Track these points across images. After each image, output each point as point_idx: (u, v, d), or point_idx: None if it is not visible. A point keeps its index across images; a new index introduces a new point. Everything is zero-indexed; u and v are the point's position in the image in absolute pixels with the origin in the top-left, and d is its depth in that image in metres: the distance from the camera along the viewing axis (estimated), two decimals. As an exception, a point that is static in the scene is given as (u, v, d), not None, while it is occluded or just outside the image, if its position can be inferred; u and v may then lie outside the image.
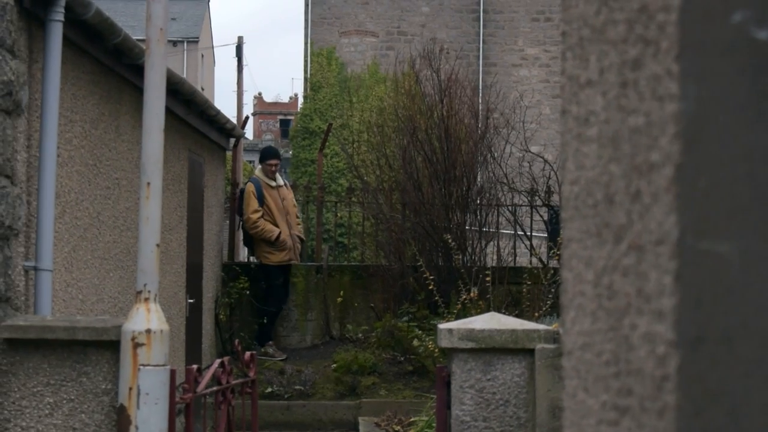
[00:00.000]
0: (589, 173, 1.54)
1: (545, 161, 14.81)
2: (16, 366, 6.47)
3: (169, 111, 8.31)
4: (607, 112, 1.50)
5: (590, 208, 1.53)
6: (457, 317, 11.05)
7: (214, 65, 61.64)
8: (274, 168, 14.37)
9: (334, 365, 13.47)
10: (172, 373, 6.38)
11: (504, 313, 7.57)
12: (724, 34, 1.35)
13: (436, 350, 12.08)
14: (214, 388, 7.08)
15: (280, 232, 14.05)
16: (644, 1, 1.42)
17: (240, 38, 30.96)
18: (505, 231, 15.86)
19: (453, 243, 13.67)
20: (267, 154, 14.72)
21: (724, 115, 1.35)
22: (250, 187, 14.27)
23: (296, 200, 15.00)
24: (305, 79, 36.12)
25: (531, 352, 6.13)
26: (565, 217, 1.60)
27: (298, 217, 14.70)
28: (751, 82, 1.35)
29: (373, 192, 15.62)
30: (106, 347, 6.38)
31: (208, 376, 7.00)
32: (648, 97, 1.41)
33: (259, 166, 14.68)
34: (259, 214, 14.04)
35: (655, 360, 1.38)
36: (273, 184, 14.24)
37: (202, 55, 55.12)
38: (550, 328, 6.44)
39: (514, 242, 15.28)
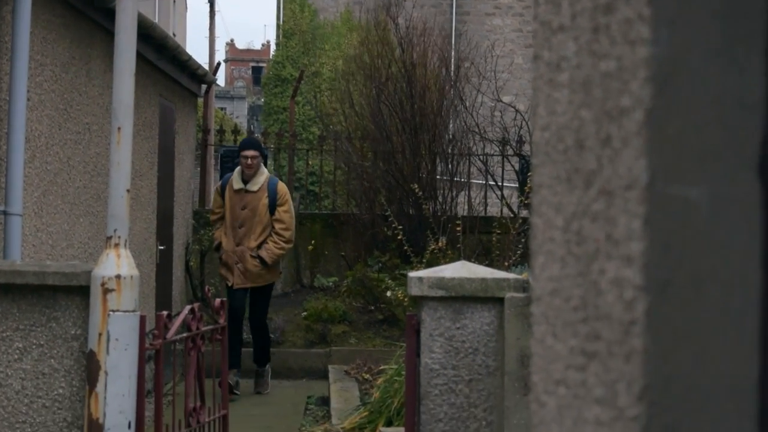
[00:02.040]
0: (560, 119, 1.54)
1: (517, 111, 14.81)
2: (-15, 310, 6.44)
3: (140, 56, 8.24)
4: (578, 57, 1.50)
5: (561, 153, 1.53)
6: (428, 266, 11.08)
7: (186, 11, 61.19)
8: (249, 161, 11.58)
9: (305, 313, 13.49)
10: (142, 319, 6.37)
11: (474, 263, 7.58)
12: (697, -22, 1.34)
13: (406, 299, 12.11)
14: (184, 335, 7.08)
15: (219, 243, 11.93)
16: (618, -55, 1.42)
17: (212, -16, 30.79)
18: (476, 180, 15.88)
19: (420, 192, 13.67)
20: (240, 145, 12.24)
21: (695, 60, 1.35)
22: (218, 183, 12.78)
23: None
24: (278, 26, 35.92)
25: (501, 300, 6.15)
26: (536, 163, 1.60)
27: (278, 234, 11.67)
28: (723, 26, 1.35)
29: (344, 140, 15.60)
30: (76, 292, 6.36)
31: (178, 322, 7.00)
32: (620, 41, 1.41)
33: None
34: (215, 216, 12.11)
35: (623, 305, 1.38)
36: (236, 186, 11.68)
37: (174, 1, 54.71)
38: (520, 277, 6.46)
39: (485, 192, 15.30)
